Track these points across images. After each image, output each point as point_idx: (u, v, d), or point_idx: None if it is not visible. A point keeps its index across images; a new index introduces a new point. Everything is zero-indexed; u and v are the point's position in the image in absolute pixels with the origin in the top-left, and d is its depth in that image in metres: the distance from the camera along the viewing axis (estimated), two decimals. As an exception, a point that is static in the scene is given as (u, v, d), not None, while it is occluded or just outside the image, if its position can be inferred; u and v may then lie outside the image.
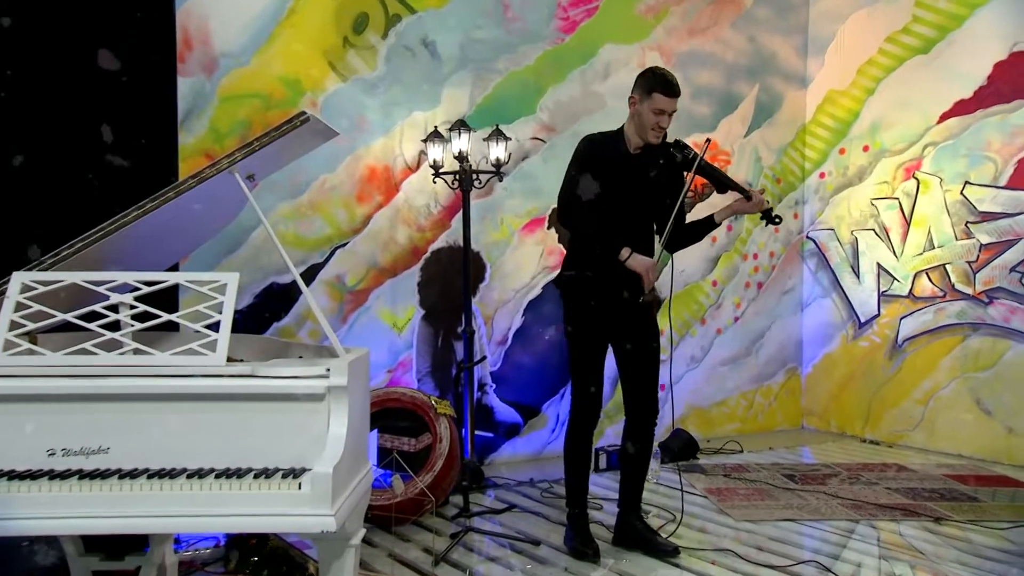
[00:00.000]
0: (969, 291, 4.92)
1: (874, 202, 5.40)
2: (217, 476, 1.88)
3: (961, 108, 4.92)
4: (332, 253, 4.21)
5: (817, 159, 5.73)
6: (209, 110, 3.85)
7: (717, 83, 5.38)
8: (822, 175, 5.70)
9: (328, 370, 2.03)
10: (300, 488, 1.85)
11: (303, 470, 1.91)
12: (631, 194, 3.02)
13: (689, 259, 5.34)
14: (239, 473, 1.89)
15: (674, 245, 3.17)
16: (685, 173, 3.01)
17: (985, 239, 4.84)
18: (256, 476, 1.88)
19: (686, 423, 5.24)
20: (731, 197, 3.10)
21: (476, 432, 4.39)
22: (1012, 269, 4.71)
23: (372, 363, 4.28)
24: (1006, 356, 4.73)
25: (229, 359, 2.08)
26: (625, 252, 2.91)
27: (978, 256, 4.87)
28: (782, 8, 5.62)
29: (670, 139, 3.09)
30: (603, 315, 3.06)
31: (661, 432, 4.99)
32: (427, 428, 3.68)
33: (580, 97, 4.85)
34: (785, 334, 5.73)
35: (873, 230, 5.41)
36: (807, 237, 5.78)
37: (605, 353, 3.14)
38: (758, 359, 5.62)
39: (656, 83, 2.95)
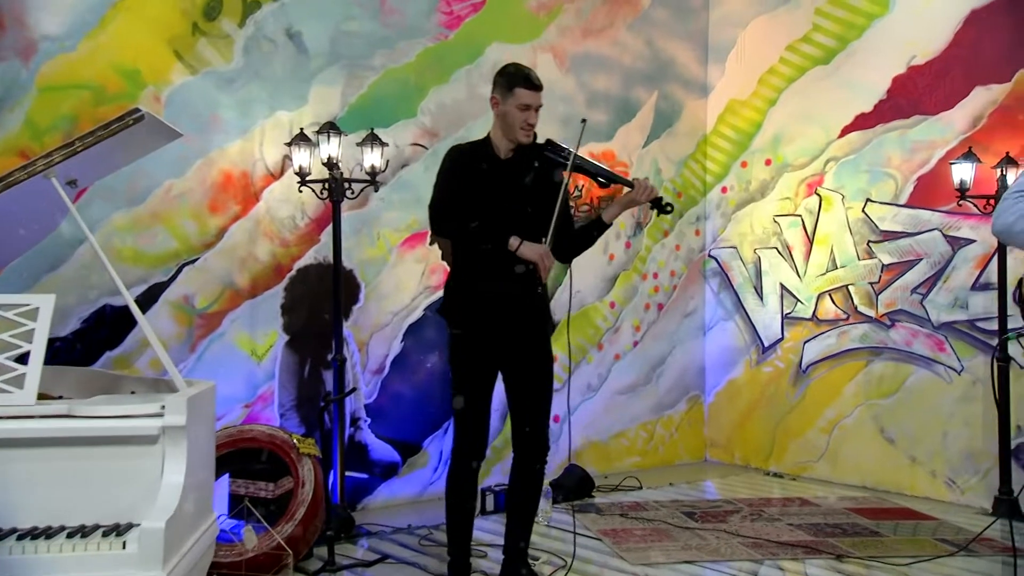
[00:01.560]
0: (872, 313, 5.28)
1: (777, 219, 5.73)
2: (20, 537, 1.78)
3: (862, 122, 5.31)
4: (179, 270, 4.09)
5: (719, 172, 6.03)
6: (26, 101, 3.66)
7: (614, 89, 5.59)
8: (724, 190, 6.01)
9: (163, 407, 1.97)
10: (125, 547, 1.79)
11: (129, 526, 1.84)
12: (509, 203, 3.09)
13: (585, 279, 5.48)
14: (48, 533, 1.80)
15: (566, 253, 3.24)
16: (563, 173, 3.10)
17: (887, 259, 5.22)
18: (71, 535, 1.80)
19: (582, 458, 5.35)
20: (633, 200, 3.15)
21: (347, 473, 4.33)
22: (913, 290, 5.11)
23: (226, 397, 4.17)
24: (908, 382, 5.10)
25: (43, 396, 1.99)
26: (514, 241, 2.96)
27: (880, 277, 5.25)
28: (681, 11, 5.92)
29: (541, 139, 3.18)
30: (491, 339, 3.10)
31: (554, 468, 5.13)
32: (288, 471, 3.61)
33: (466, 100, 4.92)
34: (687, 359, 5.97)
35: (776, 248, 5.73)
36: (709, 255, 6.06)
37: (493, 383, 3.18)
38: (659, 387, 5.83)
39: (516, 78, 3.05)
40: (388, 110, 4.66)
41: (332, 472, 4.21)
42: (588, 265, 5.49)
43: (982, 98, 4.77)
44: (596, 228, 3.23)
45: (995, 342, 4.56)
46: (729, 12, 5.95)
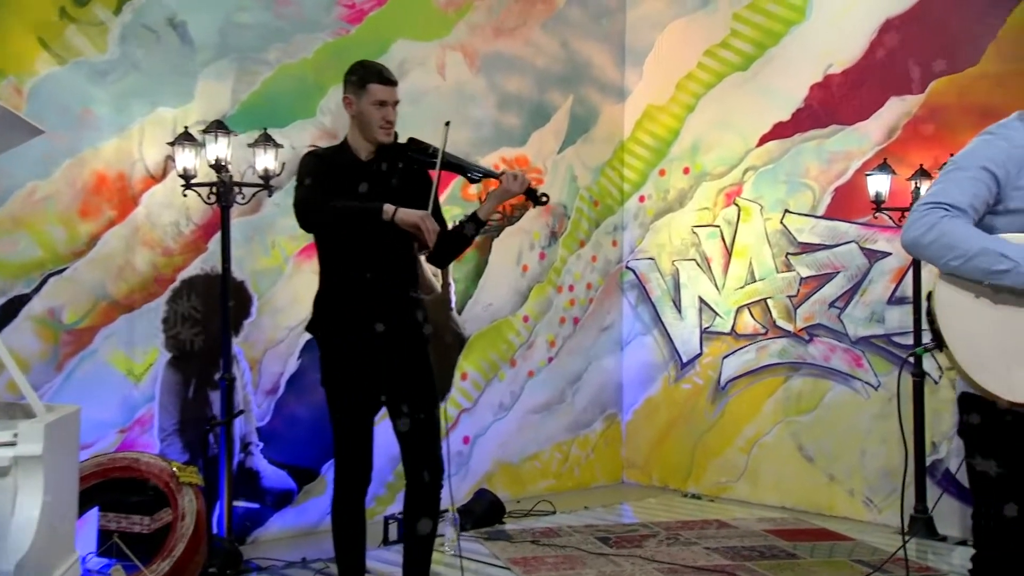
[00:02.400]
0: (790, 328, 5.47)
1: (695, 229, 5.88)
2: None
3: (780, 131, 5.50)
4: (44, 281, 3.94)
5: (636, 181, 6.16)
6: None
7: (527, 91, 5.65)
8: (642, 199, 6.14)
9: (16, 435, 1.89)
10: (-34, 594, 1.70)
11: (-28, 569, 1.75)
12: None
13: (497, 291, 5.51)
14: None
15: (442, 255, 3.26)
16: (430, 172, 3.13)
17: (805, 272, 5.41)
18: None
19: (492, 482, 5.36)
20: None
21: (236, 503, 4.23)
22: (831, 304, 5.31)
23: (98, 422, 4.02)
24: (826, 398, 5.29)
25: None
26: (389, 208, 2.95)
27: (798, 290, 5.45)
28: (597, 11, 6.03)
29: (402, 139, 3.18)
30: (368, 353, 3.08)
31: (463, 494, 5.13)
32: (166, 502, 3.50)
33: (369, 99, 4.88)
34: (604, 376, 6.05)
35: (695, 260, 5.88)
36: (626, 267, 6.17)
37: (376, 405, 3.17)
38: (574, 405, 5.89)
39: (369, 74, 3.07)
40: (284, 109, 4.60)
41: (218, 502, 4.10)
42: (500, 277, 5.53)
43: (897, 109, 5.02)
44: (472, 226, 3.23)
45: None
46: (646, 14, 6.10)
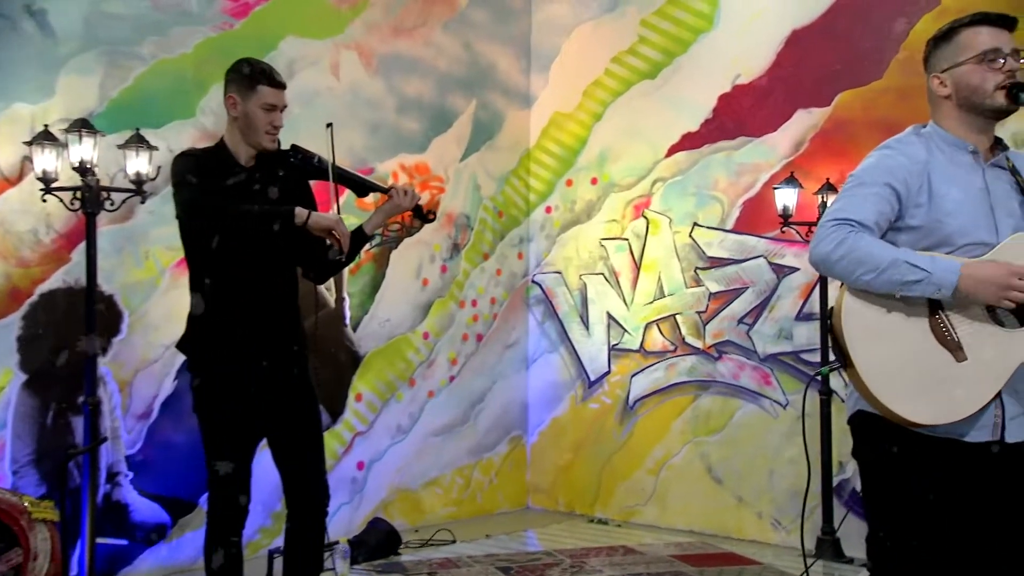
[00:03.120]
0: (699, 345, 5.55)
1: (603, 242, 5.93)
2: None
3: (689, 141, 5.60)
4: None
5: (543, 191, 6.18)
6: None
7: (428, 95, 5.60)
8: (548, 209, 6.16)
9: None
10: None
11: None
12: None
13: (395, 306, 5.43)
14: None
15: (321, 270, 3.23)
16: (319, 181, 3.10)
17: (714, 287, 5.51)
18: None
19: (388, 510, 5.26)
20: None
21: (100, 540, 4.04)
22: (740, 320, 5.42)
23: (-62, 453, 3.77)
24: (735, 417, 5.39)
25: None
26: (302, 212, 2.88)
27: (707, 306, 5.54)
28: (501, 13, 6.03)
29: (285, 145, 3.15)
30: (248, 381, 3.00)
31: (357, 523, 5.02)
32: (16, 541, 3.30)
33: (255, 99, 4.75)
34: (509, 396, 6.03)
35: (603, 274, 5.92)
36: (532, 281, 6.18)
37: (257, 432, 3.09)
38: (477, 427, 5.84)
39: (257, 74, 3.01)
40: (159, 108, 4.44)
41: (80, 540, 3.90)
42: (398, 291, 5.45)
43: (804, 121, 5.16)
44: (356, 242, 3.19)
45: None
46: (552, 17, 6.13)
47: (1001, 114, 2.34)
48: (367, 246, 3.32)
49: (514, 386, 6.05)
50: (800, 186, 4.97)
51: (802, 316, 5.15)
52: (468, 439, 5.78)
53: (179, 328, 4.44)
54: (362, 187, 3.20)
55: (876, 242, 2.26)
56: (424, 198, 5.49)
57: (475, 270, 5.87)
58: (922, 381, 2.25)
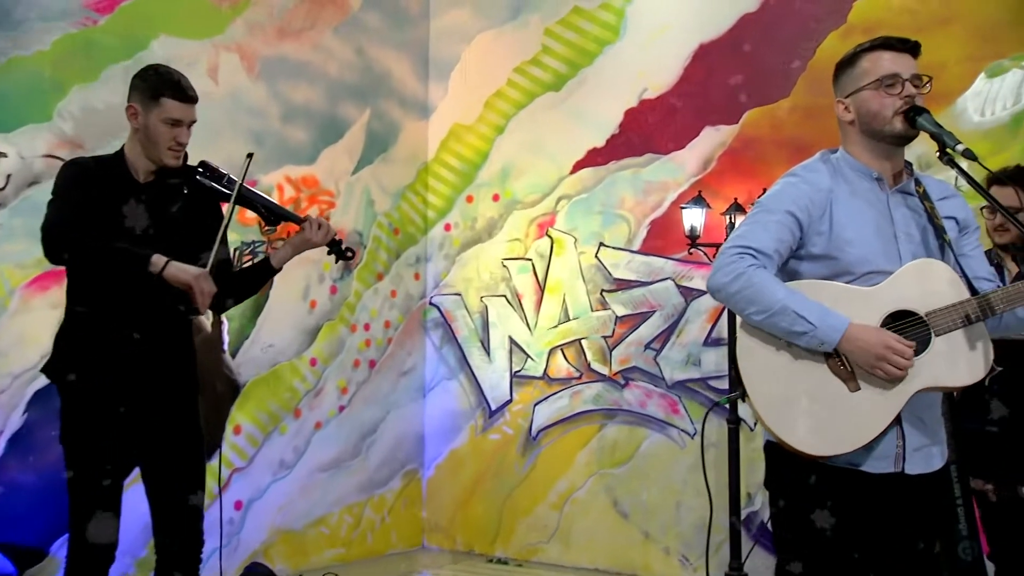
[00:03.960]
0: (605, 371, 5.57)
1: (506, 262, 5.91)
2: None
3: (594, 157, 5.63)
4: None
5: (442, 207, 6.13)
6: None
7: (317, 102, 5.50)
8: (447, 227, 6.11)
9: None
10: None
11: None
12: (149, 240, 2.94)
13: (279, 330, 5.28)
14: None
15: (219, 299, 3.14)
16: (223, 204, 3.06)
17: (621, 310, 5.54)
18: None
19: (269, 553, 5.11)
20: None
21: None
22: (647, 346, 5.46)
23: None
24: (642, 448, 5.41)
25: None
26: (159, 259, 2.82)
27: (614, 330, 5.57)
28: (397, 17, 5.98)
29: (193, 161, 3.10)
30: (123, 406, 2.91)
31: (232, 570, 4.84)
32: None
33: (121, 104, 4.53)
34: (404, 427, 5.93)
35: (505, 296, 5.90)
36: (430, 303, 6.11)
37: (127, 465, 3.00)
38: (369, 461, 5.73)
39: (163, 84, 2.95)
40: (10, 110, 4.24)
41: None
42: (283, 314, 5.31)
43: (712, 139, 5.26)
44: (262, 274, 3.21)
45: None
46: (452, 23, 6.11)
47: (902, 140, 2.42)
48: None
49: (409, 416, 5.96)
50: (708, 206, 5.05)
51: (710, 341, 5.23)
52: (359, 474, 5.66)
53: (31, 354, 4.28)
54: (273, 214, 3.15)
55: (771, 282, 2.32)
56: (313, 212, 5.39)
57: (368, 291, 5.77)
58: (815, 412, 2.31)
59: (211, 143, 3.47)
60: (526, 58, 5.82)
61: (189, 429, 3.05)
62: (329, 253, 3.19)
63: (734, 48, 5.20)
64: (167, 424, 2.99)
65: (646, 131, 5.47)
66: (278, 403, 5.30)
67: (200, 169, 3.03)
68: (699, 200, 5.06)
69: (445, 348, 6.06)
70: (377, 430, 5.78)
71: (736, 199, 4.96)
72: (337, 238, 3.16)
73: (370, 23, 5.79)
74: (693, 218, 5.03)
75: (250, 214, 4.96)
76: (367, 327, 5.77)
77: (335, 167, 5.59)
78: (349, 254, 3.20)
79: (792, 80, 4.99)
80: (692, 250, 5.10)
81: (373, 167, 5.80)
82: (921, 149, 4.47)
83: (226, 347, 5.07)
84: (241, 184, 3.03)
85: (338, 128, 5.61)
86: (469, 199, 6.04)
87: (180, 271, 2.82)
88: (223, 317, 5.04)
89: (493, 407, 5.87)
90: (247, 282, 3.20)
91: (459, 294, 6.02)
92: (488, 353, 5.92)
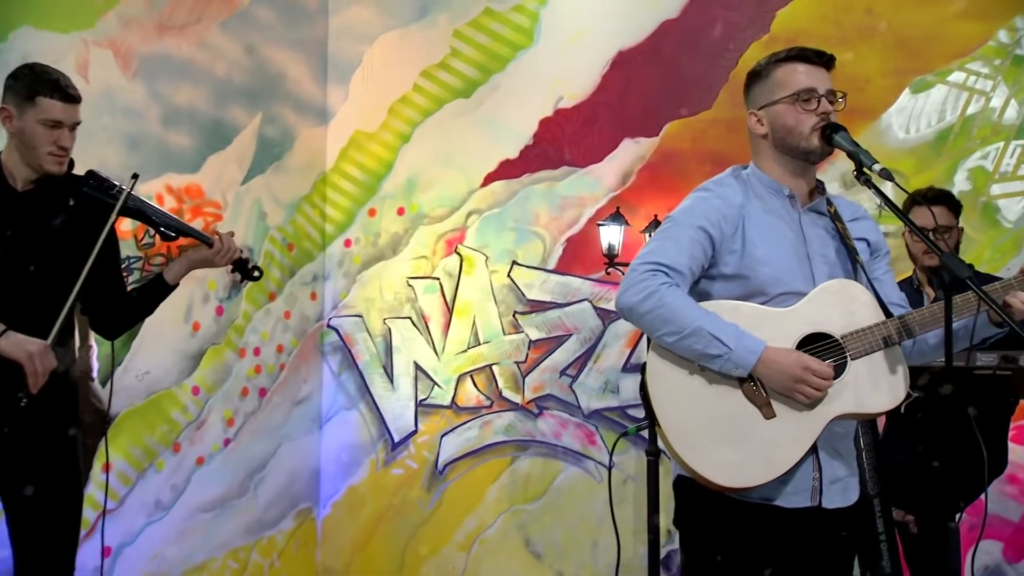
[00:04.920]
0: (518, 400, 5.58)
1: (411, 281, 5.89)
2: None
3: (507, 170, 5.67)
4: None
5: (341, 221, 6.08)
6: None
7: (202, 105, 5.39)
8: (348, 243, 6.06)
9: None
10: None
11: None
12: (24, 253, 2.91)
13: (156, 355, 5.14)
14: None
15: (111, 324, 3.17)
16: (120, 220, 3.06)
17: (535, 334, 5.57)
18: None
19: (142, 605, 4.96)
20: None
21: None
22: (562, 372, 5.49)
23: None
24: (556, 482, 5.44)
25: None
26: None
27: (527, 355, 5.58)
28: (293, 13, 5.92)
29: (80, 169, 3.07)
30: None
31: (97, 624, 4.68)
32: None
33: (-22, 102, 4.43)
34: (297, 461, 5.84)
35: (410, 319, 5.88)
36: (328, 326, 6.05)
37: None
38: (258, 499, 5.61)
39: (39, 83, 2.91)
40: None
41: None
42: (162, 336, 5.16)
43: (631, 152, 5.33)
44: (155, 292, 3.17)
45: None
46: (353, 22, 6.08)
47: (816, 157, 2.47)
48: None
49: (304, 450, 5.88)
50: (627, 223, 5.11)
51: (629, 367, 5.28)
52: (246, 514, 5.53)
53: None
54: (170, 228, 3.09)
55: (685, 301, 2.34)
56: (198, 225, 5.28)
57: (259, 312, 5.67)
58: (730, 441, 2.34)
59: (81, 147, 3.36)
60: (434, 61, 5.82)
61: (63, 467, 2.99)
62: (233, 271, 3.16)
63: (654, 56, 5.29)
64: (37, 461, 2.93)
65: (562, 142, 5.52)
66: (154, 437, 5.15)
67: (88, 179, 3.00)
68: (617, 217, 5.11)
69: (344, 375, 6.00)
70: (267, 465, 5.67)
71: (656, 216, 5.03)
72: (242, 256, 3.14)
73: (262, 19, 5.72)
74: (611, 235, 5.08)
75: (126, 226, 4.89)
76: (257, 352, 5.66)
77: (222, 176, 5.48)
78: (257, 273, 3.18)
79: (714, 91, 5.10)
80: (610, 269, 5.15)
81: (265, 176, 5.71)
82: (846, 166, 4.64)
83: (95, 375, 4.94)
84: (130, 195, 2.99)
85: (226, 133, 5.51)
86: (371, 213, 6.00)
87: (15, 345, 2.77)
88: (92, 341, 4.92)
89: (396, 439, 5.82)
90: (141, 304, 3.16)
91: (360, 316, 5.97)
92: (391, 380, 5.88)
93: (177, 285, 3.17)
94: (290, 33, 5.89)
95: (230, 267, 3.18)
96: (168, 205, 5.17)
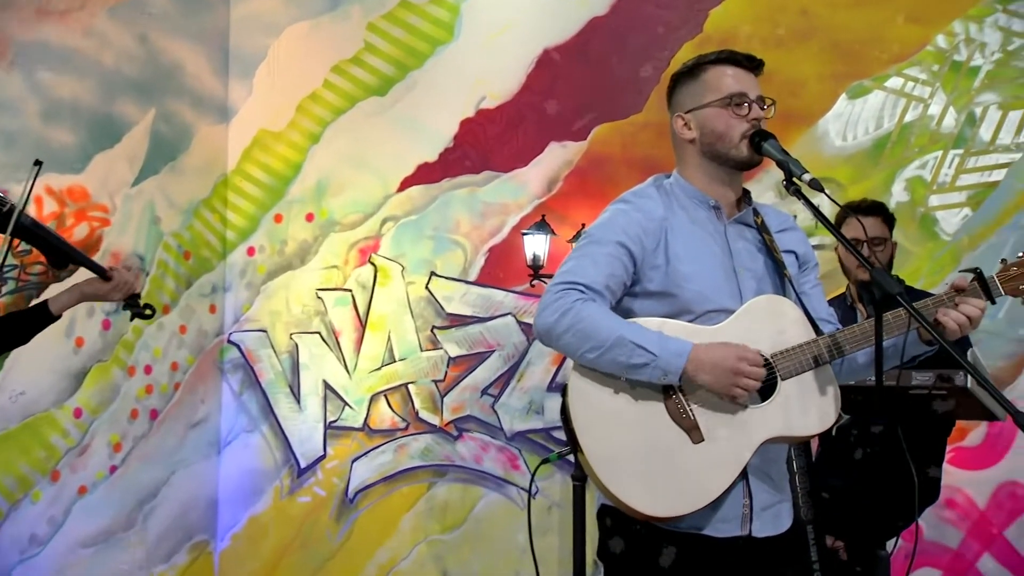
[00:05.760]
0: (436, 421, 5.58)
1: (320, 293, 5.85)
2: None
3: (426, 174, 5.67)
4: None
5: (244, 227, 6.02)
6: None
7: (87, 98, 5.30)
8: (251, 251, 6.00)
9: None
10: None
11: None
12: None
13: (33, 374, 5.02)
14: None
15: None
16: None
17: (454, 350, 5.57)
18: None
19: (15, 651, 4.84)
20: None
21: None
22: (484, 391, 5.49)
23: None
24: (477, 509, 5.44)
25: None
26: None
27: (446, 374, 5.58)
28: (190, 2, 5.86)
29: None
30: None
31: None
32: None
33: None
34: (192, 490, 5.77)
35: (319, 334, 5.84)
36: (229, 341, 5.99)
37: None
38: (148, 532, 5.53)
39: None
40: None
41: None
42: (40, 353, 5.01)
43: (557, 156, 5.37)
44: (35, 320, 3.19)
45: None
46: (257, 11, 6.04)
47: (745, 165, 2.50)
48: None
49: (200, 476, 5.81)
50: (552, 232, 5.14)
51: (555, 386, 5.31)
52: (134, 549, 5.44)
53: None
54: (62, 255, 3.11)
55: (605, 314, 2.34)
56: (82, 231, 5.18)
57: (150, 327, 5.57)
58: (656, 468, 2.34)
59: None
60: (346, 56, 5.81)
61: None
62: (124, 308, 3.14)
63: (581, 55, 5.33)
64: None
65: (484, 145, 5.54)
66: (30, 464, 5.03)
67: None
68: (543, 225, 5.14)
69: (246, 394, 5.95)
70: (159, 494, 5.60)
71: (584, 224, 5.05)
72: (135, 291, 3.16)
73: (156, 6, 5.65)
74: (536, 245, 5.11)
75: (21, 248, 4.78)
76: (148, 370, 5.58)
77: (110, 177, 5.39)
78: (148, 312, 3.21)
79: (644, 94, 5.16)
80: (535, 281, 5.18)
81: (159, 178, 5.64)
82: (781, 175, 4.73)
83: (-35, 395, 4.81)
84: (21, 214, 2.98)
85: (115, 130, 5.43)
86: (277, 218, 5.96)
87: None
88: (-39, 358, 4.79)
89: (303, 464, 5.79)
90: (16, 331, 3.16)
91: (264, 330, 5.94)
92: (298, 400, 5.84)
93: (60, 317, 3.16)
94: (187, 22, 5.82)
95: (122, 304, 3.22)
96: (48, 209, 5.06)
